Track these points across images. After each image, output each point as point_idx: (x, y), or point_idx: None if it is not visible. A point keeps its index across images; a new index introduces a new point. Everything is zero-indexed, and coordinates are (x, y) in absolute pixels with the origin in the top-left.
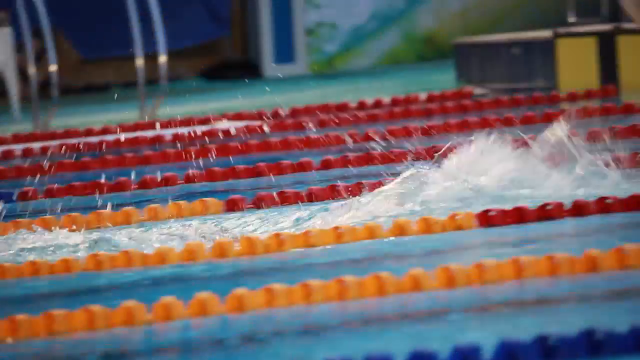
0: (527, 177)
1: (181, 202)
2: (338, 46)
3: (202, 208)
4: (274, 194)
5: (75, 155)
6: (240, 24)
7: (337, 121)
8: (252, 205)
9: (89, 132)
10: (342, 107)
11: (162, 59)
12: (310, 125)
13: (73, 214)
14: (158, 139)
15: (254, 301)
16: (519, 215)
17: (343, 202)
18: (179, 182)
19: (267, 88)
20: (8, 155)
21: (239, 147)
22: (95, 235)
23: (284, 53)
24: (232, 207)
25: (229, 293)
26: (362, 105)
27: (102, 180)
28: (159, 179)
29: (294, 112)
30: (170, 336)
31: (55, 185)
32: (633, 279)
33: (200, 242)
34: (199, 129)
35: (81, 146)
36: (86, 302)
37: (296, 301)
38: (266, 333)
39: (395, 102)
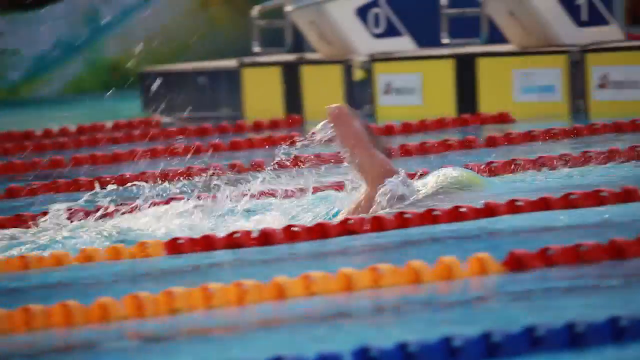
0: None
1: None
2: (22, 74)
3: None
4: None
5: None
6: None
7: (22, 149)
8: None
9: None
10: (27, 135)
11: None
12: None
13: None
14: None
15: None
16: (206, 244)
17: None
18: None
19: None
20: None
21: None
22: None
23: None
24: None
25: None
26: (47, 134)
27: None
28: None
29: None
30: None
31: None
32: (320, 304)
33: None
34: None
35: None
36: None
37: None
38: None
39: (81, 131)
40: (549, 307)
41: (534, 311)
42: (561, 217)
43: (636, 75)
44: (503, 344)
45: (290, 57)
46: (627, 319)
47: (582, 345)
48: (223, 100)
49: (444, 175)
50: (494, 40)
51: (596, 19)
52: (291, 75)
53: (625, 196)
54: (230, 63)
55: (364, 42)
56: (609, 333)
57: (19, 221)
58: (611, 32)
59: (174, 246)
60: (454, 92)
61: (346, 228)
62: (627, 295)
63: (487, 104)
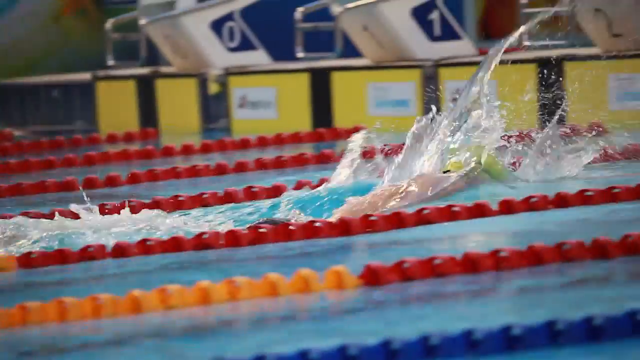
0: None
1: None
2: None
3: None
4: None
5: None
6: None
7: None
8: None
9: None
10: None
11: None
12: None
13: None
14: None
15: None
16: (59, 258)
17: None
18: None
19: None
20: None
21: None
22: None
23: None
24: None
25: None
26: None
27: None
28: None
29: None
30: None
31: None
32: (175, 319)
33: None
34: None
35: None
36: None
37: None
38: None
39: None
40: (404, 319)
41: (389, 324)
42: (417, 230)
43: None
44: (359, 357)
45: (144, 71)
46: (481, 331)
47: (436, 357)
48: (77, 113)
49: (475, 160)
50: (349, 55)
51: (449, 34)
52: (146, 89)
53: (478, 211)
54: (84, 76)
55: (218, 56)
56: (463, 345)
57: None
58: (463, 46)
59: (27, 260)
60: (309, 106)
61: (201, 242)
62: (481, 308)
63: (342, 117)
